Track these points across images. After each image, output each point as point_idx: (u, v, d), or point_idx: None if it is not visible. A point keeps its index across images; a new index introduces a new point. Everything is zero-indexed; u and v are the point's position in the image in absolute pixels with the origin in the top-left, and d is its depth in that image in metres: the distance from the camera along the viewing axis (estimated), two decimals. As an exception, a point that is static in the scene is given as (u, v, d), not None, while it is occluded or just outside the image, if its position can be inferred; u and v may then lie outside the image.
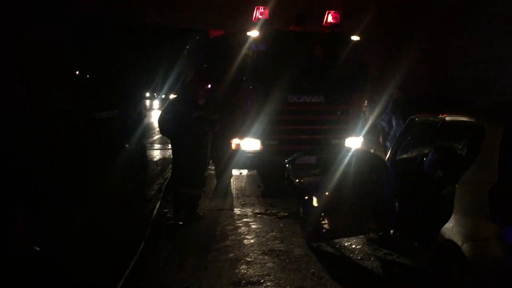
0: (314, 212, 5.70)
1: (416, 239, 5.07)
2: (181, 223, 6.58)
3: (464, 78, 12.52)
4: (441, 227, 3.94)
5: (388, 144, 7.32)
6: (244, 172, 10.71)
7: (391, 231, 5.63)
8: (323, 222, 5.68)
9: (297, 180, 6.20)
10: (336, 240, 5.91)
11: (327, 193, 5.76)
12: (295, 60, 9.01)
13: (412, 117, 5.45)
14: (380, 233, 5.89)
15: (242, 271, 4.94)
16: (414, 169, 5.49)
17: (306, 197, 5.91)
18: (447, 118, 4.56)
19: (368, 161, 5.84)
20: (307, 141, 8.96)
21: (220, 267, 5.03)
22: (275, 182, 8.74)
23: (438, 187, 4.68)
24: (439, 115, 4.72)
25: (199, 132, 6.98)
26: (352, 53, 9.26)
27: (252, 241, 5.97)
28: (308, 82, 9.02)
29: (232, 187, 9.34)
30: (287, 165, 6.40)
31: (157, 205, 7.40)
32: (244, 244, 5.85)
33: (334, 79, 9.24)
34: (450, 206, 3.89)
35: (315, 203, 5.74)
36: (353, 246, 5.82)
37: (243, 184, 9.72)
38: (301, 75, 8.99)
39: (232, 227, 6.57)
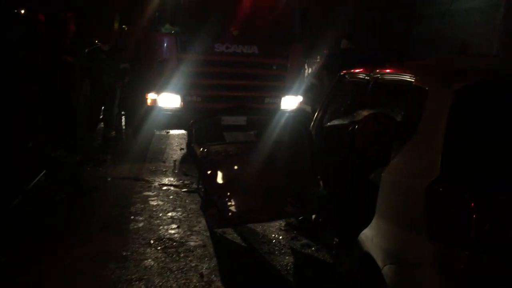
0: (218, 190, 4.49)
1: (336, 234, 3.94)
2: (58, 198, 5.25)
3: (430, 32, 11.24)
4: (361, 230, 2.80)
5: (317, 106, 6.06)
6: (173, 132, 9.35)
7: (312, 217, 4.52)
8: (229, 203, 4.49)
9: (201, 149, 4.93)
10: (248, 225, 4.75)
11: (235, 167, 4.58)
12: (224, 1, 7.60)
13: (342, 73, 4.23)
14: (300, 218, 4.77)
15: (106, 273, 3.70)
16: (344, 141, 4.32)
17: (209, 171, 4.67)
18: (382, 77, 3.35)
19: (290, 127, 4.63)
20: (236, 99, 7.67)
21: (80, 269, 3.76)
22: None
23: (367, 170, 3.53)
24: (372, 71, 3.51)
25: (67, 79, 5.46)
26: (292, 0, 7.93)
27: (140, 224, 4.73)
28: (239, 29, 7.63)
29: (149, 149, 8.03)
30: (189, 130, 5.11)
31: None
32: (129, 229, 4.60)
33: (271, 26, 7.93)
34: (374, 203, 2.74)
35: (219, 179, 4.53)
36: (266, 233, 4.68)
37: (163, 146, 8.40)
38: (231, 20, 7.60)
39: (124, 204, 5.31)
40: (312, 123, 4.60)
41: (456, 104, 2.29)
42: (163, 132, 9.23)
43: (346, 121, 4.73)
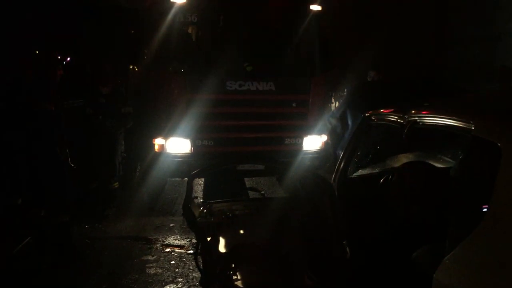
0: (220, 262, 3.63)
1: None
2: (44, 266, 4.49)
3: (461, 60, 10.23)
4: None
5: (339, 152, 5.05)
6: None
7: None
8: (235, 277, 3.62)
9: (200, 209, 4.10)
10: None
11: (241, 232, 3.74)
12: (237, 35, 6.92)
13: (367, 114, 3.35)
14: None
15: None
16: (375, 196, 3.43)
17: (210, 238, 3.82)
18: (421, 120, 2.48)
19: (305, 181, 3.76)
20: (252, 141, 6.90)
21: None
22: (218, 192, 6.78)
23: (407, 237, 2.65)
24: (406, 112, 2.64)
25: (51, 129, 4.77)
26: (312, 27, 7.17)
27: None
28: (253, 64, 6.91)
29: (158, 199, 7.26)
30: (188, 185, 4.31)
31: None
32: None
33: (288, 60, 7.18)
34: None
35: (222, 247, 3.68)
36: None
37: (175, 195, 7.62)
38: (244, 55, 6.89)
39: (118, 273, 4.51)
40: (334, 174, 3.71)
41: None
42: (178, 179, 8.46)
43: (375, 171, 3.86)
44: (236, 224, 3.79)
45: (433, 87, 5.07)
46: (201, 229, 3.81)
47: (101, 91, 6.47)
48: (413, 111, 2.56)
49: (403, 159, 3.85)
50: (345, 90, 12.29)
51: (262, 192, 7.98)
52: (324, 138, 7.28)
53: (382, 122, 3.12)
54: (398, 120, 2.74)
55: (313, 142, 7.14)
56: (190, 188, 4.07)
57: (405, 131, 2.57)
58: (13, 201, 5.92)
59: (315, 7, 7.02)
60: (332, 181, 3.62)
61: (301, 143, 7.08)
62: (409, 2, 11.19)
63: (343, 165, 3.52)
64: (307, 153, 7.12)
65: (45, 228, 4.74)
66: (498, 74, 8.00)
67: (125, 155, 7.52)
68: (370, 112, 3.31)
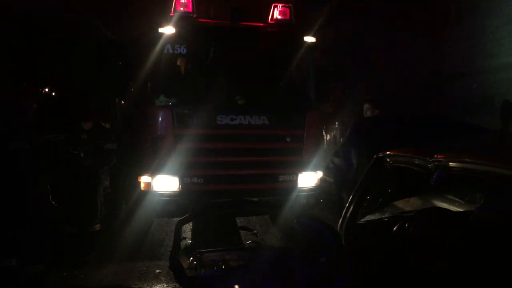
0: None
1: None
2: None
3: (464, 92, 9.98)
4: None
5: (345, 195, 4.61)
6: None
7: None
8: None
9: (190, 260, 3.65)
10: None
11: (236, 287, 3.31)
12: (228, 67, 6.63)
13: (380, 156, 2.99)
14: None
15: None
16: (388, 247, 3.03)
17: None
18: (455, 165, 2.13)
19: (307, 229, 3.36)
20: (244, 178, 6.52)
21: None
22: (208, 231, 6.36)
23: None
24: (432, 156, 2.28)
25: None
26: (307, 59, 6.92)
27: None
28: (245, 97, 6.60)
29: (145, 240, 6.78)
30: (176, 232, 3.88)
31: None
32: None
33: (282, 93, 6.88)
34: None
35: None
36: None
37: (162, 236, 7.14)
38: (235, 88, 6.57)
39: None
40: (340, 221, 3.31)
41: None
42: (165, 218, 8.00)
43: (385, 216, 3.47)
44: (230, 278, 3.36)
45: (445, 123, 4.74)
46: (190, 284, 3.37)
47: (82, 126, 6.08)
48: (441, 155, 2.20)
49: (415, 202, 3.49)
50: (336, 123, 12.07)
51: (255, 231, 7.59)
52: (319, 174, 6.93)
53: (400, 165, 2.75)
54: (423, 164, 2.39)
55: (308, 179, 6.78)
56: (178, 236, 3.64)
57: (434, 177, 2.21)
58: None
59: (309, 39, 6.77)
60: (338, 228, 3.23)
61: (296, 180, 6.71)
62: (406, 34, 11.08)
63: (352, 210, 3.14)
64: (302, 190, 6.75)
65: (17, 279, 4.23)
66: (500, 108, 7.73)
67: (109, 191, 7.07)
68: (383, 153, 2.95)
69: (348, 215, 3.20)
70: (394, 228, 3.09)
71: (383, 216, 3.48)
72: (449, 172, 2.14)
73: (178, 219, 3.45)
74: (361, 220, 3.40)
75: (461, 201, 3.56)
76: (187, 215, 3.79)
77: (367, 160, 3.63)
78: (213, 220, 6.95)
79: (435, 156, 2.25)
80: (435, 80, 11.05)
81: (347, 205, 3.19)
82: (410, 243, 2.82)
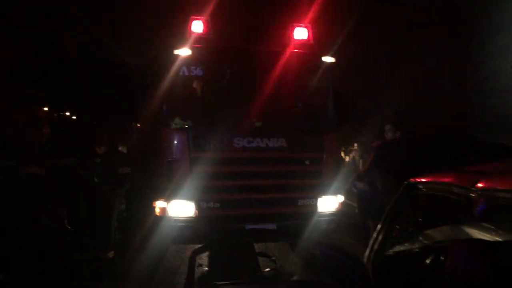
0: None
1: None
2: None
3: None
4: None
5: (370, 223, 4.30)
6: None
7: None
8: None
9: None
10: None
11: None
12: (244, 89, 6.48)
13: (411, 182, 2.75)
14: None
15: None
16: (422, 282, 2.78)
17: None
18: (505, 195, 1.89)
19: (332, 262, 3.12)
20: (262, 203, 6.30)
21: None
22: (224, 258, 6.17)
23: None
24: (474, 184, 2.05)
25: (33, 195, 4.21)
26: (325, 80, 6.74)
27: None
28: (263, 119, 6.42)
29: (159, 268, 6.56)
30: (190, 264, 3.67)
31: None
32: None
33: (300, 115, 6.70)
34: None
35: None
36: None
37: (177, 263, 6.91)
38: (252, 110, 6.40)
39: None
40: (368, 251, 3.06)
41: None
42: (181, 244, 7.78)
43: (415, 247, 3.21)
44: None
45: (477, 144, 4.47)
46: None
47: (96, 150, 5.96)
48: (485, 182, 1.97)
49: (447, 231, 3.23)
50: (355, 144, 11.80)
51: (273, 258, 7.33)
52: (340, 198, 6.68)
53: (435, 192, 2.52)
54: (463, 193, 2.15)
55: (328, 203, 6.54)
56: (192, 268, 3.44)
57: (479, 209, 1.97)
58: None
59: (328, 59, 6.61)
60: (365, 260, 2.98)
61: (316, 204, 6.48)
62: (429, 50, 10.84)
63: (380, 240, 2.89)
64: (322, 215, 6.51)
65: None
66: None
67: (125, 215, 6.91)
68: (414, 179, 2.71)
69: (376, 246, 2.96)
70: (427, 261, 2.84)
71: (413, 247, 3.22)
72: (496, 202, 1.91)
73: (195, 246, 3.25)
74: (390, 251, 3.15)
75: (497, 229, 3.29)
76: (202, 245, 3.59)
77: (393, 185, 3.40)
78: (230, 246, 6.75)
79: (478, 184, 2.03)
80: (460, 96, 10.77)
81: (374, 234, 2.95)
82: (447, 278, 2.58)
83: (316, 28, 6.88)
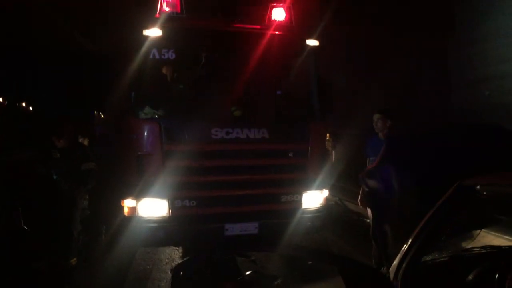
0: None
1: None
2: None
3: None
4: None
5: (388, 228, 3.68)
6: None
7: None
8: None
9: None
10: None
11: None
12: (222, 74, 5.89)
13: (466, 183, 2.24)
14: None
15: None
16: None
17: None
18: None
19: (345, 271, 2.59)
20: (243, 200, 5.75)
21: None
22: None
23: None
24: None
25: None
26: (309, 65, 6.21)
27: None
28: (242, 108, 5.85)
29: (129, 272, 5.93)
30: (174, 278, 3.11)
31: None
32: None
33: (283, 103, 6.16)
34: None
35: None
36: None
37: (149, 266, 6.28)
38: (231, 98, 5.83)
39: None
40: (398, 259, 2.52)
41: None
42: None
43: (444, 255, 2.72)
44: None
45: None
46: None
47: (55, 143, 5.22)
48: None
49: (482, 237, 2.76)
50: (327, 134, 11.39)
51: (253, 257, 6.79)
52: (325, 193, 6.22)
53: (499, 198, 2.02)
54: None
55: (313, 199, 6.07)
56: (176, 283, 2.89)
57: None
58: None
59: (312, 42, 6.08)
60: (392, 278, 2.45)
61: (300, 200, 5.99)
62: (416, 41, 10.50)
63: (414, 254, 2.36)
64: (306, 211, 6.03)
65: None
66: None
67: (88, 212, 6.21)
68: (471, 180, 2.20)
69: (408, 252, 2.42)
70: (471, 277, 2.35)
71: (441, 256, 2.73)
72: None
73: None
74: (427, 258, 2.64)
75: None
76: (186, 259, 3.04)
77: (415, 183, 2.88)
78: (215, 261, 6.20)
79: None
80: (444, 86, 10.47)
81: (409, 242, 2.42)
82: None
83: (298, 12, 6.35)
